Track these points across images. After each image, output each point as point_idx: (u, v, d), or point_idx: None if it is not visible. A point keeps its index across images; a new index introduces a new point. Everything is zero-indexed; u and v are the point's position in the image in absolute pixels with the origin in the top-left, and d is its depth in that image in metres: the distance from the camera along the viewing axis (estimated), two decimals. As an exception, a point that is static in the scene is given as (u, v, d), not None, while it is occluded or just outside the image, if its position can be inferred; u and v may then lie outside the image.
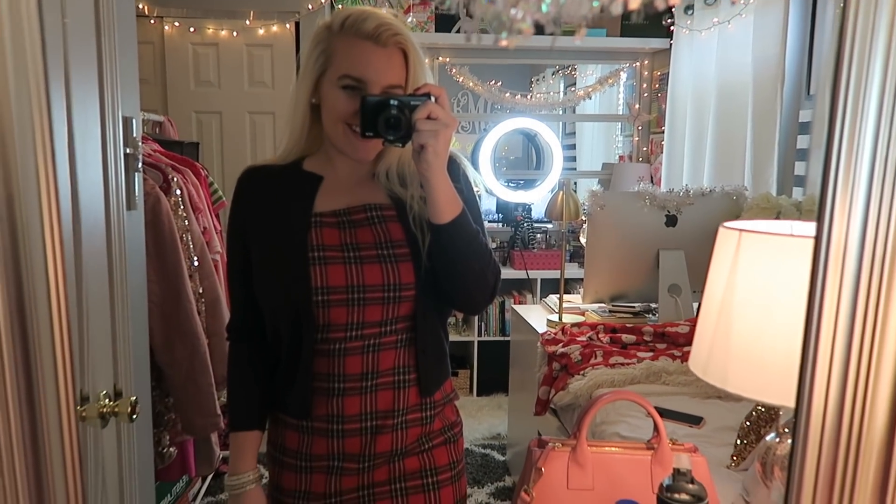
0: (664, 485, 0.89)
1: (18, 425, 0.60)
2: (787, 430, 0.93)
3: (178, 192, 1.84)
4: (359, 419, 1.11)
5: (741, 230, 0.80)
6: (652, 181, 3.86)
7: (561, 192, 2.61)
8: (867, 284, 0.50)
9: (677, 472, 0.89)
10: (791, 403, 0.72)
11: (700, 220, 2.49)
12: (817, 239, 0.51)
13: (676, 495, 0.87)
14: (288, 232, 1.10)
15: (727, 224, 0.84)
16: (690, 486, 0.87)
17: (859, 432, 0.52)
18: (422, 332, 1.13)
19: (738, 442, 1.44)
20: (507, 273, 3.91)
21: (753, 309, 0.78)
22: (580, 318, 2.55)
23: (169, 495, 2.30)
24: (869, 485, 0.52)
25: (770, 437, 0.95)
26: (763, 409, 1.42)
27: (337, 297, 1.07)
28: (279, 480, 1.17)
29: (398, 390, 1.12)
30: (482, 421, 3.65)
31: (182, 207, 1.82)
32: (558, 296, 2.65)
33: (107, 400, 1.18)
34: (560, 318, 2.55)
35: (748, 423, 1.43)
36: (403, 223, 1.11)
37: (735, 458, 1.44)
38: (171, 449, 1.82)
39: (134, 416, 1.19)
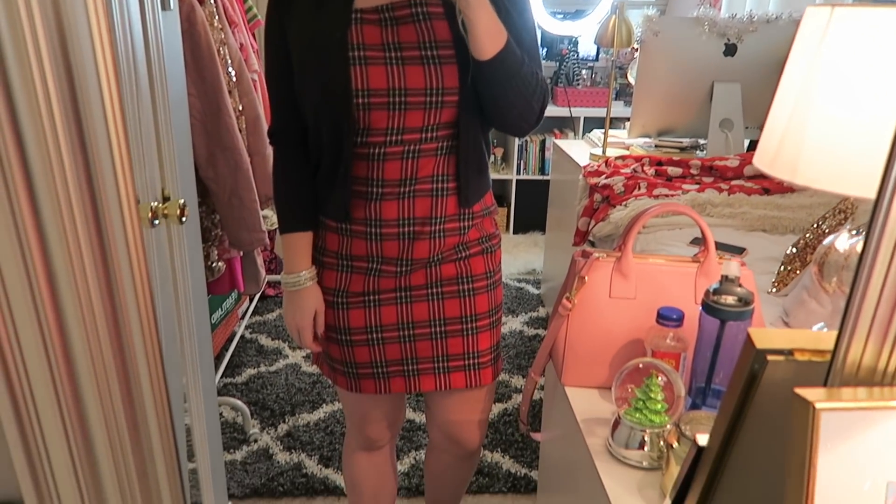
0: (711, 289, 0.89)
1: (85, 228, 0.61)
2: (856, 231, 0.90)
3: (213, 1, 1.76)
4: (396, 224, 1.11)
5: (833, 5, 0.72)
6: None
7: (614, 17, 2.44)
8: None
9: (725, 279, 0.88)
10: (869, 194, 0.69)
11: (761, 51, 2.33)
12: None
13: (723, 298, 0.87)
14: (327, 30, 1.05)
15: (817, 2, 0.76)
16: (739, 289, 0.87)
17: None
18: (464, 141, 1.10)
19: (782, 268, 1.43)
20: (549, 110, 3.77)
21: (837, 93, 0.73)
22: (625, 153, 2.48)
23: (220, 309, 2.43)
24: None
25: (830, 238, 0.92)
26: (811, 237, 1.39)
27: (377, 101, 1.04)
28: (320, 279, 1.20)
29: (436, 198, 1.12)
30: (518, 257, 3.71)
31: (217, 18, 1.75)
32: (603, 130, 2.56)
33: (156, 203, 1.20)
34: (604, 152, 2.48)
35: (794, 250, 1.41)
36: (451, 21, 1.04)
37: (777, 283, 1.43)
38: (219, 263, 1.89)
39: (183, 219, 1.22)
